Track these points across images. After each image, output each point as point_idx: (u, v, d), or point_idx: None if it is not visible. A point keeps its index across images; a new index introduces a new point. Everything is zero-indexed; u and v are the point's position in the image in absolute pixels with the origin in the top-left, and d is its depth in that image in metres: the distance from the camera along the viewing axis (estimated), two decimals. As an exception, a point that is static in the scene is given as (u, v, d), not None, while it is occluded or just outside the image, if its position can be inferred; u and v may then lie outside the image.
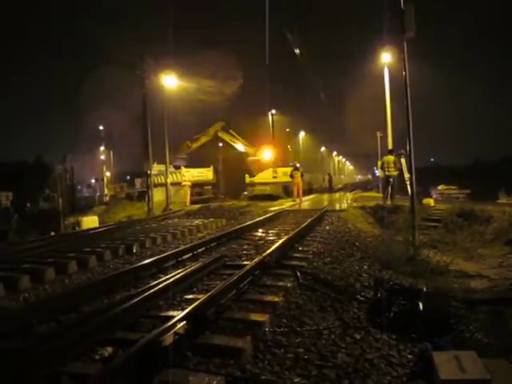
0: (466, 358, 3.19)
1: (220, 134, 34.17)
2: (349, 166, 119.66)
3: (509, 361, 3.41)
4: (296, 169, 22.90)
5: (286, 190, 27.34)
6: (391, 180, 16.74)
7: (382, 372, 3.43)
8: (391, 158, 16.72)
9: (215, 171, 35.11)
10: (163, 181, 26.08)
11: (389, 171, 16.45)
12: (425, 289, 4.91)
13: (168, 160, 24.43)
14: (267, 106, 42.24)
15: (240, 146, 34.20)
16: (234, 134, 34.18)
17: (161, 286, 5.22)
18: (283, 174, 28.20)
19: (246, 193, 29.53)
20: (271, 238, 9.58)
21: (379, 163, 29.39)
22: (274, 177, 28.78)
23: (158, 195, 25.11)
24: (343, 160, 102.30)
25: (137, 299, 4.62)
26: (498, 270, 7.92)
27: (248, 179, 29.65)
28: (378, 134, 37.04)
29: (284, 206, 18.30)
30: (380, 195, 17.01)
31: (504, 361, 3.36)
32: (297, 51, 32.24)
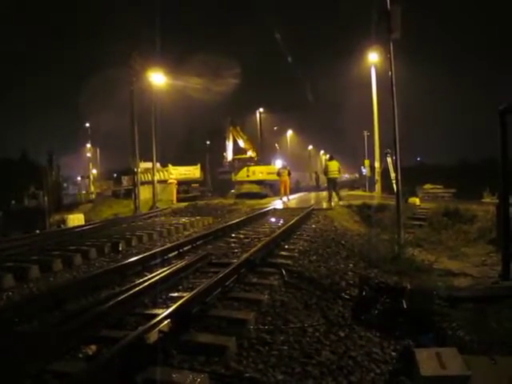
0: (447, 355, 3.23)
1: (231, 129, 33.73)
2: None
3: (489, 357, 3.47)
4: (283, 167, 22.99)
5: (272, 189, 27.33)
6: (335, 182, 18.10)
7: (366, 369, 3.47)
8: (334, 162, 17.74)
9: (203, 169, 35.00)
10: (150, 178, 25.94)
11: (333, 174, 17.44)
12: (409, 287, 4.97)
13: (155, 157, 24.31)
14: (255, 104, 42.23)
15: (241, 143, 33.88)
16: (238, 129, 33.81)
17: (146, 284, 5.21)
18: (252, 173, 28.13)
19: (233, 191, 29.50)
20: (257, 237, 9.59)
21: (367, 162, 29.84)
22: (248, 175, 28.65)
23: (144, 193, 24.96)
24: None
25: (122, 297, 4.60)
26: (481, 268, 8.04)
27: (233, 177, 29.69)
28: (365, 134, 37.28)
29: (271, 205, 18.32)
30: (367, 194, 17.25)
31: (484, 357, 3.41)
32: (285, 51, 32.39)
